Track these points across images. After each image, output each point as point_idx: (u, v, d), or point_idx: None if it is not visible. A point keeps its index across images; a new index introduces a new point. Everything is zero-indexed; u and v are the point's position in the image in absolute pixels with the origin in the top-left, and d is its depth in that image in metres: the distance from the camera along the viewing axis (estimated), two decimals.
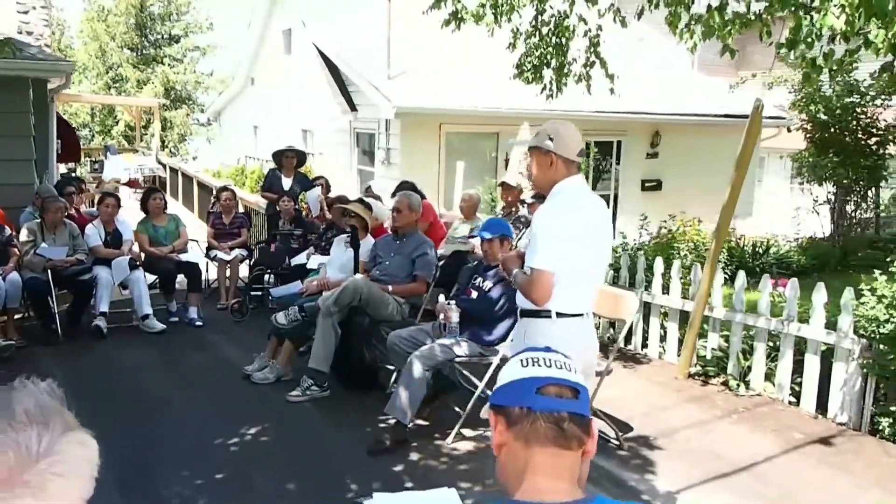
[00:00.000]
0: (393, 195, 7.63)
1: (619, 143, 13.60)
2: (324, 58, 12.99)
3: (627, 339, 6.65)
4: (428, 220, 7.52)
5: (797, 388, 5.28)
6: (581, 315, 3.08)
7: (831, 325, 5.01)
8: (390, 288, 5.52)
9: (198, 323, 7.34)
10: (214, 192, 12.75)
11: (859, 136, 11.28)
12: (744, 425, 4.93)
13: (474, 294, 4.80)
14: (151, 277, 7.45)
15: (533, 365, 1.56)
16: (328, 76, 13.11)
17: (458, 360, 4.63)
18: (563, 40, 6.51)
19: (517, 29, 6.52)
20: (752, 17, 5.00)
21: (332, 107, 13.42)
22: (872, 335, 4.61)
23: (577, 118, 11.84)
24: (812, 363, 5.09)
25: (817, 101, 11.21)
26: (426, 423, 4.82)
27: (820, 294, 5.03)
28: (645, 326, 6.51)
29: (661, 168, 14.13)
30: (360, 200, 6.35)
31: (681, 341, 6.11)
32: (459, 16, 6.30)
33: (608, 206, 12.41)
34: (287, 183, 8.97)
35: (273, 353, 5.88)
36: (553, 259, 2.93)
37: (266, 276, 8.23)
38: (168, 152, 23.96)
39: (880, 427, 4.67)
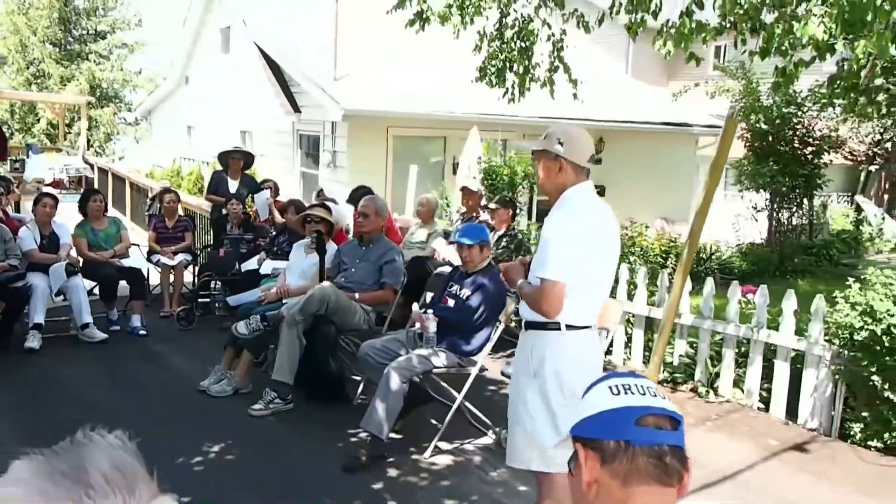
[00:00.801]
0: (349, 200, 7.43)
1: None
2: (266, 58, 12.63)
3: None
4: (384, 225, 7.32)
5: (765, 395, 5.32)
6: (589, 327, 2.96)
7: (799, 331, 5.06)
8: (357, 296, 5.31)
9: (141, 332, 6.96)
10: (151, 195, 12.29)
11: (796, 145, 11.63)
12: (720, 433, 4.92)
13: (451, 302, 4.64)
14: (90, 284, 7.03)
15: (625, 392, 1.41)
16: (270, 76, 12.75)
17: (436, 371, 4.46)
18: (528, 44, 6.43)
19: (483, 31, 6.41)
20: (727, 25, 4.99)
21: (274, 108, 13.07)
22: (845, 342, 4.66)
23: (521, 124, 12.03)
24: (782, 370, 5.12)
25: (758, 110, 11.49)
26: (399, 436, 4.64)
27: (790, 301, 5.07)
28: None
29: (604, 174, 14.21)
30: (322, 204, 6.11)
31: (646, 348, 6.11)
32: (424, 16, 6.14)
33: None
34: (233, 185, 8.64)
35: (229, 365, 5.59)
36: (565, 269, 2.80)
37: (212, 283, 7.88)
38: (94, 152, 22.96)
39: (851, 432, 4.72)
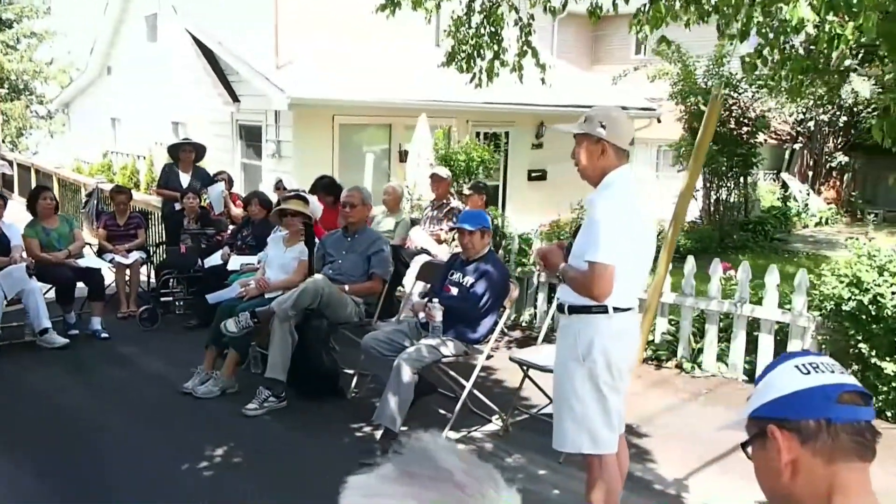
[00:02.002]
0: (311, 191, 7.26)
1: (506, 133, 13.71)
2: (200, 46, 12.18)
3: None
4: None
5: (748, 367, 5.49)
6: (632, 308, 2.98)
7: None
8: (346, 287, 5.21)
9: (104, 335, 6.64)
10: (87, 191, 11.75)
11: (732, 126, 12.03)
12: (714, 407, 5.06)
13: (454, 290, 4.59)
14: (44, 287, 6.65)
15: (815, 371, 1.41)
16: (206, 65, 12.31)
17: (444, 360, 4.42)
18: (498, 29, 6.40)
19: (455, 15, 6.34)
20: (709, 9, 5.09)
21: (209, 98, 12.63)
22: (831, 312, 4.85)
23: (466, 109, 12.02)
24: (767, 342, 5.30)
25: (696, 92, 11.83)
26: (404, 428, 4.57)
27: (772, 276, 5.25)
28: None
29: (545, 159, 14.41)
30: (298, 196, 5.94)
31: None
32: (395, 1, 6.03)
33: (497, 198, 12.49)
34: (185, 179, 8.34)
35: (212, 364, 5.40)
36: (615, 252, 2.81)
37: (171, 281, 7.59)
38: (7, 147, 21.73)
39: None
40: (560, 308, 3.07)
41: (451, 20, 6.38)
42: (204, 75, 12.45)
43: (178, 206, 8.19)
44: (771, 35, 4.99)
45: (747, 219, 13.15)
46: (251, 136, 12.31)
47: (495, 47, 6.50)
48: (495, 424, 4.72)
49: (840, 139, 16.55)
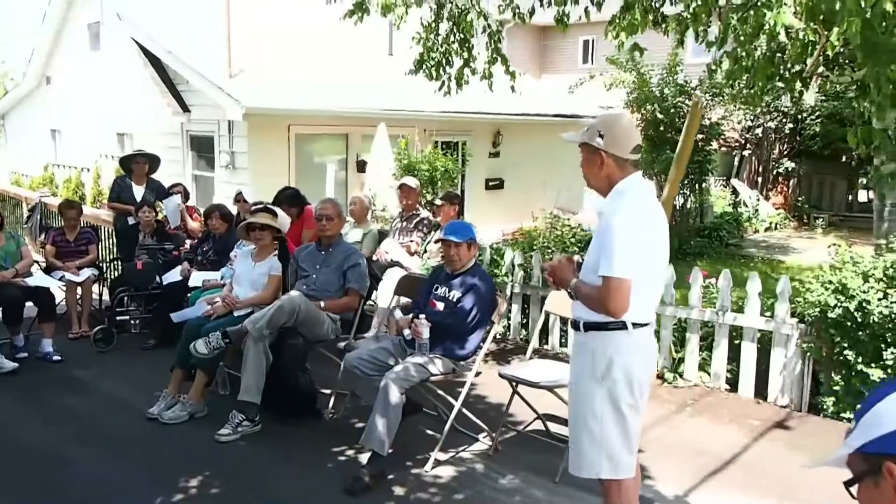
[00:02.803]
0: (274, 203, 7.01)
1: (464, 143, 13.62)
2: (147, 54, 11.78)
3: (544, 339, 6.59)
4: (313, 227, 6.96)
5: (730, 376, 5.45)
6: (650, 324, 2.86)
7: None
8: (322, 303, 4.99)
9: (55, 357, 6.27)
10: (29, 205, 11.22)
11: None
12: (702, 417, 4.99)
13: (440, 305, 4.42)
14: None
15: None
16: (153, 75, 11.90)
17: (432, 378, 4.24)
18: (467, 36, 6.28)
19: (425, 21, 6.19)
20: (689, 17, 5.05)
21: (158, 108, 12.21)
22: (816, 320, 4.83)
23: (424, 118, 11.87)
24: (749, 350, 5.26)
25: (652, 100, 11.91)
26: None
27: (754, 284, 5.21)
28: (563, 327, 6.45)
29: (503, 167, 14.37)
30: (266, 209, 5.67)
31: None
32: (364, 6, 5.85)
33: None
34: (139, 191, 8.01)
35: (178, 387, 5.12)
36: (631, 265, 2.68)
37: (126, 298, 7.22)
38: None
39: (823, 406, 4.91)
40: (574, 325, 2.92)
41: (420, 26, 6.22)
42: (152, 85, 12.04)
43: (131, 221, 7.85)
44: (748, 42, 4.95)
45: (703, 225, 13.30)
46: (203, 147, 11.93)
47: (465, 55, 6.37)
48: (483, 443, 4.55)
49: (786, 146, 16.94)
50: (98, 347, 6.58)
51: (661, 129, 12.11)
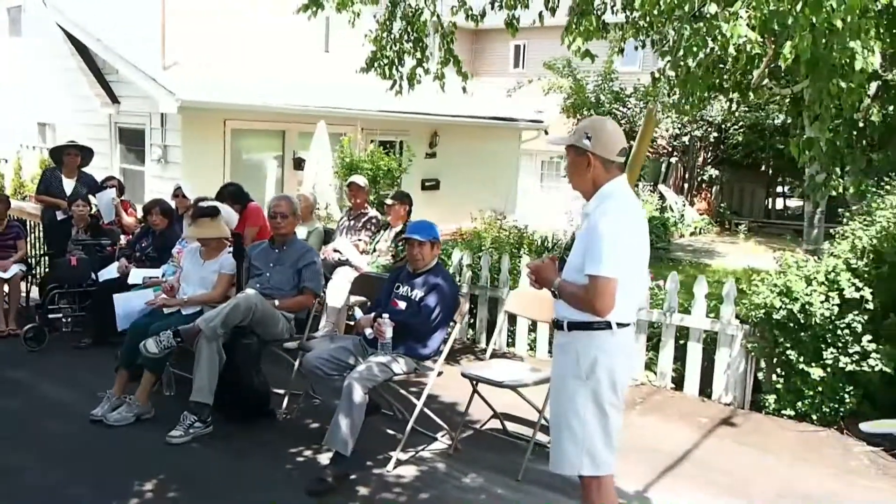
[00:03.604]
0: (217, 199, 6.84)
1: (401, 143, 13.58)
2: (75, 42, 11.32)
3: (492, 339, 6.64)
4: (258, 223, 6.84)
5: (675, 375, 5.62)
6: (632, 324, 2.92)
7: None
8: (276, 302, 4.89)
9: None
10: None
11: None
12: (653, 416, 5.12)
13: (402, 304, 4.39)
14: None
15: None
16: (80, 63, 11.45)
17: (395, 378, 4.22)
18: (421, 36, 6.28)
19: (380, 20, 6.16)
20: (644, 25, 5.18)
21: (84, 98, 11.72)
22: (760, 321, 5.03)
23: (362, 117, 11.80)
24: (695, 350, 5.43)
25: (588, 106, 12.19)
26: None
27: (701, 287, 5.39)
28: (511, 327, 6.52)
29: (439, 168, 14.40)
30: (203, 213, 5.43)
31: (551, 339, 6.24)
32: (319, 2, 5.77)
33: None
34: (69, 185, 7.68)
35: (123, 388, 4.93)
36: (617, 265, 2.73)
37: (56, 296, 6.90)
38: None
39: (765, 403, 5.12)
40: (557, 325, 2.95)
41: (375, 23, 6.19)
42: (78, 74, 11.57)
43: (61, 215, 7.52)
44: (701, 53, 5.11)
45: None
46: (132, 140, 11.52)
47: (418, 54, 6.37)
48: (442, 442, 4.55)
49: (710, 154, 17.57)
50: (29, 346, 6.27)
51: None
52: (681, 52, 5.06)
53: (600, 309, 2.75)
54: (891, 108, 6.81)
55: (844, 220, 5.76)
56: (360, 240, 6.72)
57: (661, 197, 16.79)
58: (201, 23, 11.46)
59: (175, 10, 10.69)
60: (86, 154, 7.93)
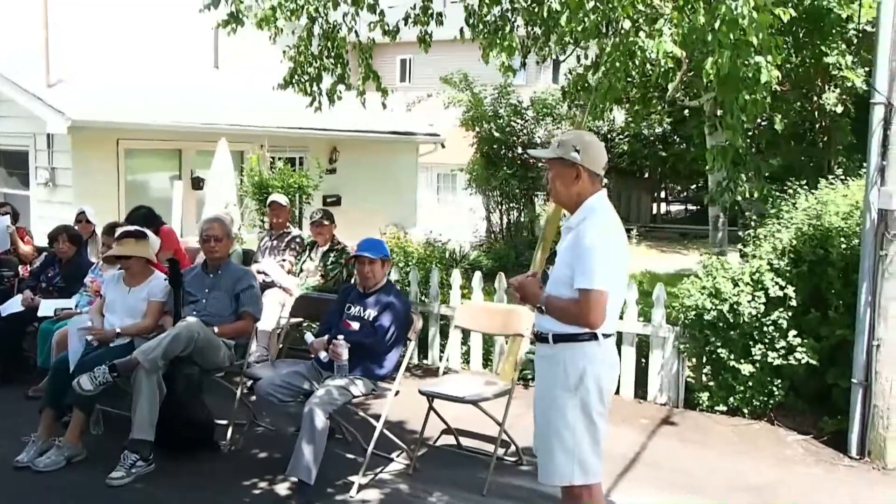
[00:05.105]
0: (128, 222, 6.52)
1: (300, 158, 13.37)
2: None
3: (424, 354, 6.64)
4: (171, 247, 6.55)
5: None
6: (614, 334, 3.00)
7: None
8: (216, 329, 4.70)
9: None
10: None
11: (520, 151, 12.79)
12: None
13: (355, 325, 4.32)
14: None
15: None
16: None
17: (354, 400, 4.14)
18: (342, 52, 6.24)
19: (303, 36, 6.06)
20: (570, 41, 5.35)
21: None
22: (691, 322, 5.27)
23: (261, 133, 11.56)
24: (630, 354, 5.62)
25: (487, 119, 12.41)
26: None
27: (632, 292, 5.59)
28: (443, 341, 6.53)
29: (340, 184, 14.24)
30: (128, 234, 5.17)
31: (485, 352, 6.33)
32: (239, 17, 5.62)
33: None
34: None
35: (50, 430, 4.60)
36: (608, 278, 2.80)
37: None
38: None
39: (699, 401, 5.36)
40: (541, 338, 2.99)
41: (296, 40, 6.09)
42: None
43: None
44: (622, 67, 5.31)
45: (533, 237, 13.99)
46: (14, 163, 10.80)
47: (339, 70, 6.32)
48: (399, 462, 4.50)
49: None
50: None
51: (496, 146, 12.64)
52: (604, 68, 5.26)
53: (593, 322, 2.81)
54: (779, 117, 7.31)
55: (752, 223, 6.14)
56: (284, 260, 6.56)
57: None
58: (88, 38, 10.90)
59: (58, 24, 10.12)
60: None
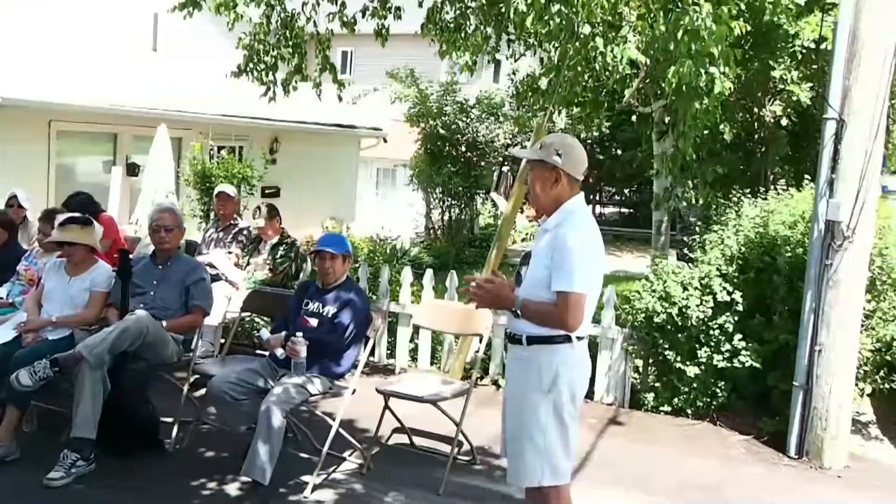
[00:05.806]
0: (65, 207, 6.26)
1: (240, 148, 13.08)
2: None
3: (371, 351, 6.57)
4: (111, 236, 6.32)
5: None
6: (586, 337, 3.02)
7: None
8: (164, 323, 4.54)
9: None
10: None
11: (463, 149, 12.83)
12: None
13: (313, 322, 4.24)
14: None
15: None
16: None
17: (311, 399, 4.06)
18: (300, 42, 6.12)
19: (259, 24, 5.91)
20: (535, 43, 5.38)
21: None
22: (641, 324, 5.37)
23: (202, 122, 11.26)
24: None
25: (433, 116, 12.40)
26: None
27: None
28: (390, 338, 6.49)
29: (280, 175, 13.99)
30: (73, 220, 4.96)
31: (433, 350, 6.31)
32: (197, 2, 5.44)
33: None
34: None
35: None
36: (587, 281, 2.82)
37: None
38: None
39: (644, 402, 5.47)
40: (514, 339, 2.98)
41: (253, 27, 5.95)
42: None
43: None
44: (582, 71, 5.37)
45: (473, 235, 14.06)
46: None
47: (296, 60, 6.20)
48: (352, 462, 4.44)
49: None
50: None
51: (441, 143, 12.64)
52: (565, 71, 5.30)
53: (572, 324, 2.82)
54: (728, 126, 7.52)
55: (696, 228, 6.30)
56: (231, 252, 6.39)
57: (494, 204, 17.38)
58: (19, 15, 10.41)
59: None
60: None
